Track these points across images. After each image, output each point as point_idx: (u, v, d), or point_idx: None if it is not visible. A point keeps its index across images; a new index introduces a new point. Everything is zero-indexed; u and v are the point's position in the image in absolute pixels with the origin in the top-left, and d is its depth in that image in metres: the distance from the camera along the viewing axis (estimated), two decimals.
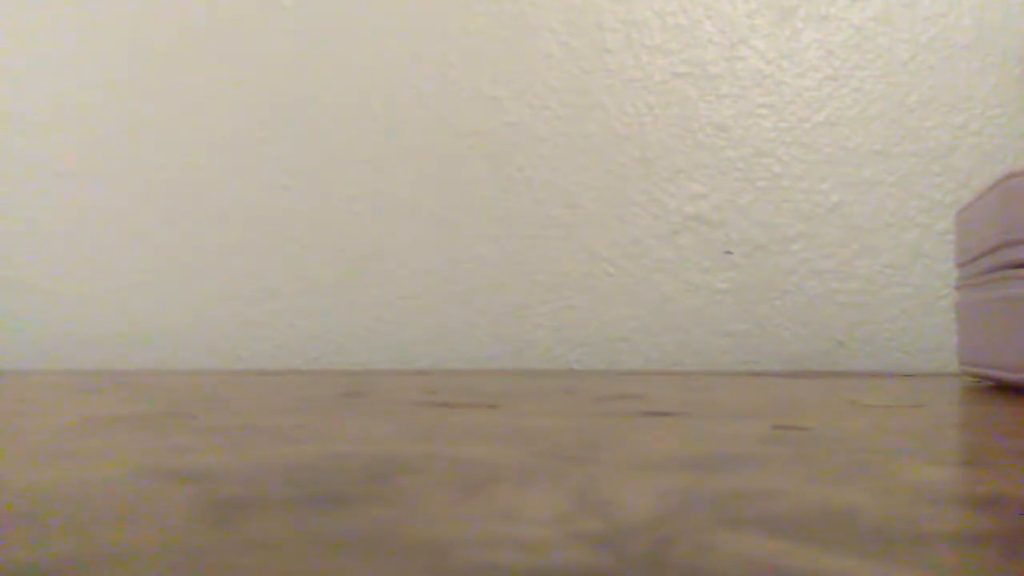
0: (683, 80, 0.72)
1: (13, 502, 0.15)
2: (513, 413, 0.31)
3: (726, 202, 0.71)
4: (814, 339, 0.70)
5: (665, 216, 0.71)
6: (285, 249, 0.74)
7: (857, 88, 0.71)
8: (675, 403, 0.35)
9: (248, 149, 0.75)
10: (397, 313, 0.73)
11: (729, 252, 0.70)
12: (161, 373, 0.62)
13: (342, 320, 0.73)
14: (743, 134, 0.71)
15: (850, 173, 0.70)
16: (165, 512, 0.14)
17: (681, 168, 0.71)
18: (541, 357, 0.72)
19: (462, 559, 0.11)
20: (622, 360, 0.71)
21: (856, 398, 0.38)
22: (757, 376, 0.58)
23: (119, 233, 0.75)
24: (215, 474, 0.18)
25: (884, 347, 0.69)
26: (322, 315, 0.73)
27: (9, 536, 0.12)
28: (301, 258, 0.74)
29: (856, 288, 0.70)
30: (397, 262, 0.73)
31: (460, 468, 0.19)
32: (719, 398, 0.38)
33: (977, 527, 0.13)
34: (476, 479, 0.17)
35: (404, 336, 0.73)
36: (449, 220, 0.73)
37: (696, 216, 0.71)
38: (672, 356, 0.71)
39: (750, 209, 0.71)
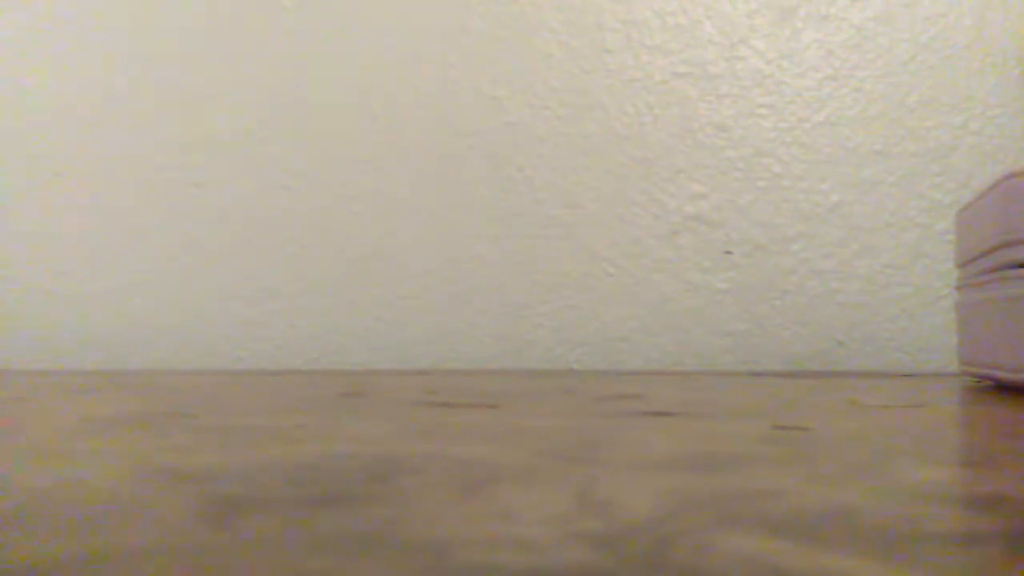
0: (683, 80, 0.72)
1: (13, 502, 0.15)
2: (513, 413, 0.31)
3: (726, 202, 0.71)
4: (814, 339, 0.70)
5: (665, 216, 0.71)
6: (285, 249, 0.74)
7: (857, 88, 0.70)
8: (675, 403, 0.35)
9: (248, 149, 0.75)
10: (397, 313, 0.73)
11: (729, 252, 0.70)
12: (161, 373, 0.62)
13: (342, 320, 0.73)
14: (743, 134, 0.71)
15: (850, 173, 0.70)
16: (165, 512, 0.14)
17: (681, 168, 0.71)
18: (541, 357, 0.72)
19: (462, 559, 0.11)
20: (622, 360, 0.71)
21: (856, 398, 0.38)
22: (757, 376, 0.58)
23: (119, 233, 0.75)
24: (215, 474, 0.18)
25: (884, 347, 0.69)
26: (322, 315, 0.73)
27: (9, 536, 0.12)
28: (301, 258, 0.74)
29: (856, 288, 0.70)
30: (397, 262, 0.73)
31: (460, 468, 0.19)
32: (719, 398, 0.38)
33: (977, 527, 0.13)
34: (476, 479, 0.17)
35: (404, 336, 0.73)
36: (449, 220, 0.73)
37: (696, 216, 0.71)
38: (672, 356, 0.71)
39: (750, 209, 0.71)
